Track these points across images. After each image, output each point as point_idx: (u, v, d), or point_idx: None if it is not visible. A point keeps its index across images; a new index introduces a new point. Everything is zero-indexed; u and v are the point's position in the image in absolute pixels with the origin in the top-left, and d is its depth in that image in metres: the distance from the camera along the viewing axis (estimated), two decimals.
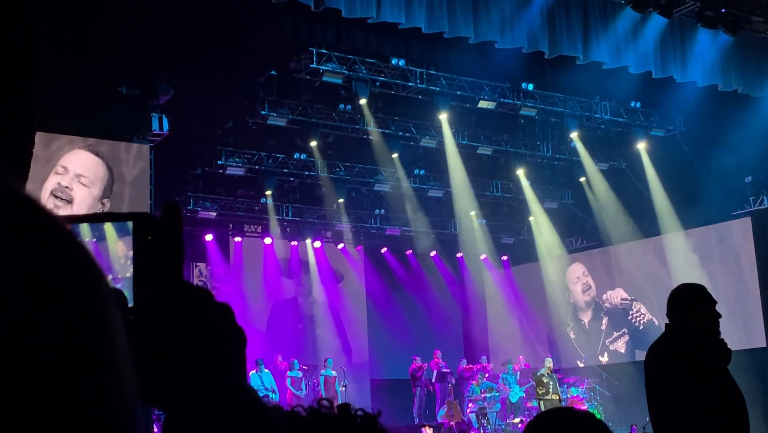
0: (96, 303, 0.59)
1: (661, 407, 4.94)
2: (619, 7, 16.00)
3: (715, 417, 4.77)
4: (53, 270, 0.56)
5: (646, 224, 22.01)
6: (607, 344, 23.52)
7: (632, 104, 20.85)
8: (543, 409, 16.80)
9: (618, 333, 23.32)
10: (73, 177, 15.85)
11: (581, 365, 23.51)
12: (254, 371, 19.18)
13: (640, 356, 22.19)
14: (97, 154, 16.31)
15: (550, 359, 18.45)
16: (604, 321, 23.74)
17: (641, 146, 21.47)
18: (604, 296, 23.36)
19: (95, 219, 0.96)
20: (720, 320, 5.03)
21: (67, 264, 0.58)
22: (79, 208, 15.57)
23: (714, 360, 4.88)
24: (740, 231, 20.77)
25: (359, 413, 1.22)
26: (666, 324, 5.14)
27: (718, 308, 5.06)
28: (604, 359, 23.49)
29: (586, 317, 24.36)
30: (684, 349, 4.91)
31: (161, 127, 17.04)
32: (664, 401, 4.90)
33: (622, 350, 23.15)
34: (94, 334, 0.58)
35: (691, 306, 5.00)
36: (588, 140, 21.65)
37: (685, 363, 4.87)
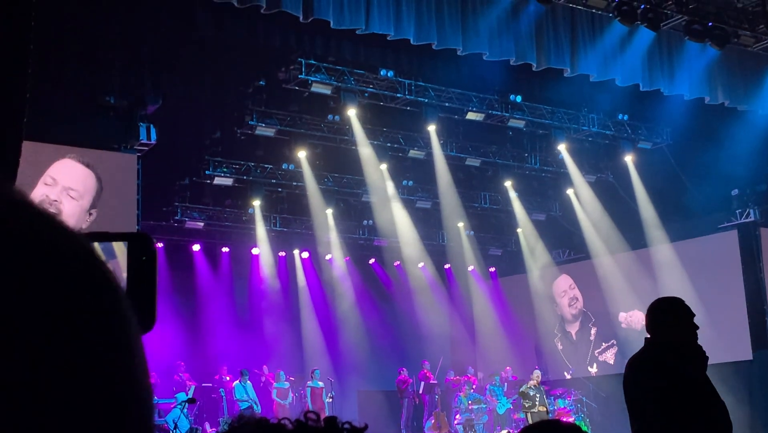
0: (122, 326, 0.59)
1: (642, 421, 4.94)
2: (606, 20, 16.06)
3: (697, 430, 4.77)
4: (81, 293, 0.57)
5: (633, 236, 22.06)
6: (596, 354, 23.53)
7: (620, 117, 20.93)
8: (530, 421, 16.78)
9: (607, 344, 23.33)
10: (62, 190, 15.72)
11: (569, 376, 23.52)
12: (238, 381, 19.13)
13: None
14: (87, 165, 16.19)
15: (538, 372, 18.45)
16: (593, 331, 23.75)
17: (628, 159, 21.55)
18: (621, 316, 23.21)
19: (90, 239, 0.96)
20: (705, 332, 5.05)
21: (93, 286, 0.58)
22: (67, 220, 15.41)
23: (694, 373, 4.90)
24: (726, 244, 20.83)
25: (346, 426, 1.22)
26: (645, 338, 5.16)
27: (703, 320, 5.09)
28: (593, 369, 23.49)
29: (573, 329, 24.37)
30: (663, 362, 4.92)
31: (149, 137, 16.99)
32: (645, 415, 4.91)
33: (611, 361, 23.16)
34: (123, 359, 0.58)
35: (668, 319, 5.02)
36: (575, 152, 21.72)
37: (664, 376, 4.88)
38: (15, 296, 0.52)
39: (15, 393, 0.51)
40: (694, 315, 5.06)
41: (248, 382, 19.23)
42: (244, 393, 18.90)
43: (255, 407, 18.65)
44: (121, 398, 0.57)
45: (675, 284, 20.80)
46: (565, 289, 24.59)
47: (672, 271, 21.22)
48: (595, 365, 23.57)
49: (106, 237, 0.96)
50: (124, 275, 0.96)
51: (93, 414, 0.54)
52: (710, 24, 16.42)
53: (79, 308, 0.56)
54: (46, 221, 0.58)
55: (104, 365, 0.56)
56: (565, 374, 23.86)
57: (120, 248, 0.97)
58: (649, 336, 5.10)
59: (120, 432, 0.56)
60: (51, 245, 0.57)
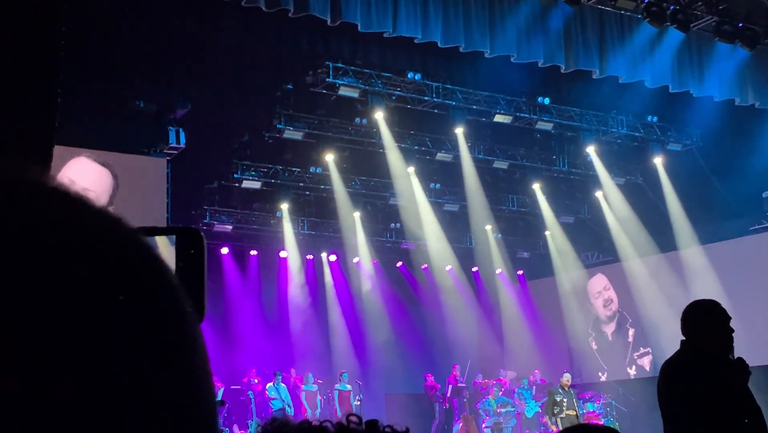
0: (183, 319, 0.59)
1: (676, 425, 4.89)
2: (635, 21, 15.97)
3: None
4: (141, 287, 0.56)
5: (663, 239, 21.90)
6: (635, 357, 23.35)
7: (649, 119, 20.80)
8: (560, 426, 16.69)
9: (644, 349, 23.16)
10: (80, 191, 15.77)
11: (603, 377, 23.42)
12: (271, 384, 19.18)
13: (658, 372, 22.06)
14: (103, 164, 16.20)
15: (567, 375, 18.32)
16: (631, 333, 23.56)
17: (658, 161, 21.41)
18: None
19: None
20: (738, 336, 4.99)
21: (152, 279, 0.58)
22: None
23: (729, 379, 4.84)
24: (758, 246, 20.63)
25: (387, 429, 1.21)
26: (681, 341, 5.10)
27: (735, 323, 5.01)
28: (632, 371, 23.32)
29: (609, 329, 24.21)
30: (698, 367, 4.87)
31: (178, 141, 17.11)
32: (680, 420, 4.86)
33: (647, 367, 22.99)
34: (186, 354, 0.58)
35: (703, 323, 4.96)
36: (604, 154, 21.60)
37: (700, 381, 4.83)
38: (75, 290, 0.52)
39: (77, 394, 0.50)
40: (729, 318, 4.99)
41: (282, 384, 19.27)
42: (277, 394, 18.94)
43: (288, 409, 18.68)
44: (187, 395, 0.57)
45: (706, 287, 20.60)
46: (599, 290, 24.42)
47: (703, 274, 21.04)
48: (633, 367, 23.38)
49: (156, 231, 0.97)
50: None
51: (157, 413, 0.54)
52: (740, 25, 16.29)
53: (140, 301, 0.55)
54: (110, 221, 0.58)
55: (168, 360, 0.56)
56: (600, 374, 23.73)
57: (163, 243, 0.98)
58: (684, 339, 5.04)
59: (185, 427, 0.56)
60: (110, 239, 0.57)
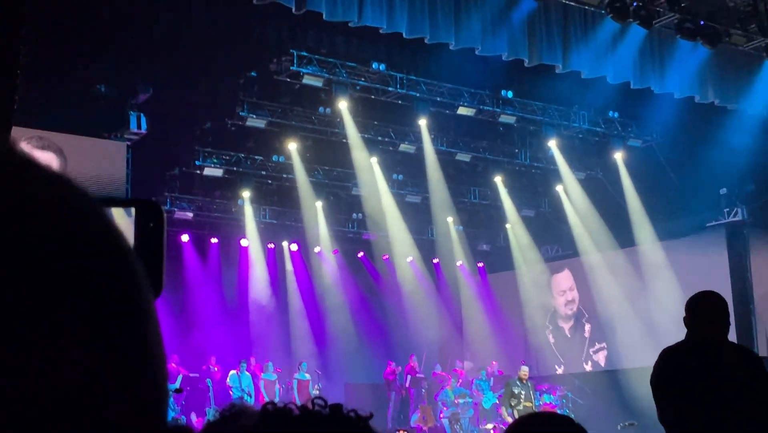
0: (137, 289, 0.59)
1: (658, 410, 4.93)
2: (599, 17, 16.08)
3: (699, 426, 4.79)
4: (95, 255, 0.56)
5: (621, 234, 22.10)
6: (591, 353, 23.57)
7: (610, 114, 20.96)
8: (517, 417, 16.80)
9: (600, 345, 23.40)
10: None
11: (560, 370, 23.61)
12: (234, 371, 19.13)
13: (616, 366, 22.30)
14: (43, 148, 15.82)
15: (525, 367, 18.46)
16: (587, 328, 23.77)
17: (618, 156, 21.59)
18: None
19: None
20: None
21: (106, 247, 0.58)
22: None
23: (705, 370, 4.88)
24: (714, 243, 20.90)
25: (351, 414, 1.23)
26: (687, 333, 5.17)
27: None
28: (588, 367, 23.53)
29: (567, 324, 24.41)
30: (679, 356, 4.95)
31: (139, 126, 16.96)
32: (658, 405, 4.91)
33: (602, 363, 23.23)
34: (138, 324, 0.58)
35: (688, 316, 5.05)
36: (566, 149, 21.74)
37: (673, 370, 4.90)
38: (26, 258, 0.52)
39: (27, 359, 0.51)
40: (717, 309, 5.04)
41: (246, 373, 19.23)
42: (237, 383, 18.89)
43: (247, 398, 18.64)
44: (136, 362, 0.57)
45: (662, 282, 20.89)
46: (564, 289, 24.53)
47: (661, 270, 21.29)
48: (589, 363, 23.61)
49: (114, 202, 0.96)
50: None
51: (106, 379, 0.54)
52: (702, 23, 16.47)
53: (93, 269, 0.55)
54: (61, 182, 0.58)
55: (120, 328, 0.56)
56: (556, 367, 23.92)
57: (120, 215, 0.97)
58: (687, 330, 5.13)
59: (134, 397, 0.56)
60: (65, 204, 0.57)
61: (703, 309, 5.01)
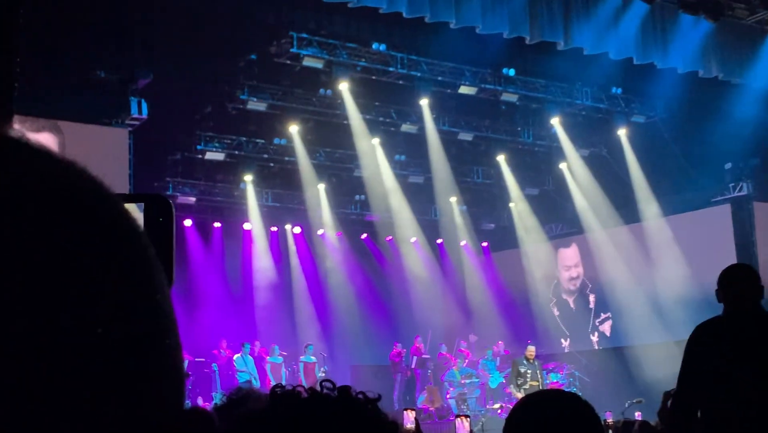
0: (152, 274, 0.61)
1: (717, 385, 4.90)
2: None
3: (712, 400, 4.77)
4: (112, 244, 0.58)
5: (626, 210, 22.07)
6: (597, 324, 23.57)
7: (613, 90, 20.88)
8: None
9: (604, 315, 23.40)
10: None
11: (566, 343, 23.66)
12: (239, 355, 19.15)
13: (622, 342, 22.31)
14: (39, 130, 15.69)
15: (532, 346, 18.45)
16: (591, 299, 23.75)
17: (622, 132, 21.52)
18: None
19: None
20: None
21: (123, 236, 0.60)
22: None
23: (725, 345, 4.86)
24: (720, 218, 20.85)
25: (359, 396, 1.20)
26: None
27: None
28: (595, 338, 23.54)
29: (571, 297, 24.42)
30: (706, 328, 4.95)
31: (140, 112, 16.91)
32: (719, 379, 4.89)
33: (608, 333, 23.22)
34: (155, 309, 0.60)
35: (718, 289, 5.05)
36: (569, 126, 21.68)
37: (695, 343, 4.91)
38: (46, 246, 0.53)
39: (50, 340, 0.52)
40: (749, 279, 5.01)
41: (248, 355, 19.25)
42: (243, 366, 18.92)
43: (254, 381, 18.66)
44: (155, 344, 0.59)
45: (668, 258, 20.86)
46: (570, 265, 24.50)
47: (666, 245, 21.25)
48: (596, 334, 23.60)
49: (124, 198, 0.95)
50: None
51: (127, 363, 0.56)
52: None
53: (109, 253, 0.57)
54: (75, 170, 0.59)
55: (137, 311, 0.57)
56: (562, 340, 23.93)
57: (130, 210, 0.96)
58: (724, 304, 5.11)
59: (150, 381, 0.58)
60: (81, 194, 0.58)
61: (733, 282, 5.01)
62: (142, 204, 0.99)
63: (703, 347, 4.92)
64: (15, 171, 0.55)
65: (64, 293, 0.53)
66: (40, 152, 0.58)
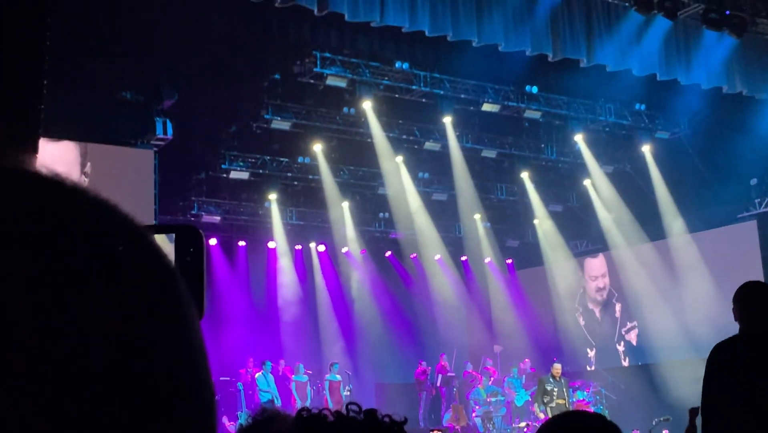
0: (183, 310, 0.61)
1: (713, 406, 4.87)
2: (622, 9, 15.96)
3: (728, 420, 4.73)
4: (143, 280, 0.58)
5: (651, 227, 21.95)
6: (623, 333, 23.43)
7: (637, 106, 20.82)
8: (550, 415, 16.70)
9: (631, 324, 23.26)
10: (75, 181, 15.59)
11: (591, 353, 23.55)
12: (260, 373, 19.16)
13: (647, 358, 22.16)
14: (59, 138, 15.72)
15: (558, 364, 18.34)
16: (618, 308, 23.62)
17: (646, 149, 21.43)
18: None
19: None
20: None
21: (153, 272, 0.60)
22: None
23: (743, 366, 4.81)
24: (746, 234, 20.70)
25: (385, 419, 1.21)
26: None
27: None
28: (621, 347, 23.38)
29: (597, 307, 24.30)
30: (723, 349, 4.89)
31: (165, 132, 17.04)
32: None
33: (634, 342, 23.07)
34: (184, 344, 0.60)
35: (735, 308, 4.96)
36: (592, 143, 21.61)
37: (713, 363, 4.86)
38: (80, 282, 0.54)
39: (79, 377, 0.52)
40: (762, 299, 4.92)
41: (270, 374, 19.27)
42: (266, 385, 18.93)
43: (276, 400, 18.66)
44: (184, 378, 0.59)
45: (694, 274, 20.70)
46: (597, 274, 24.36)
47: (691, 262, 21.11)
48: (622, 343, 23.44)
49: (156, 229, 0.97)
50: None
51: (154, 398, 0.56)
52: (727, 12, 16.30)
53: (141, 289, 0.57)
54: (104, 207, 0.60)
55: (168, 347, 0.58)
56: (588, 351, 23.79)
57: (160, 241, 0.97)
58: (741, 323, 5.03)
59: (183, 417, 0.58)
60: (111, 229, 0.59)
61: (750, 300, 4.92)
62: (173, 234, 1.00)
63: (720, 367, 4.86)
64: (43, 210, 0.56)
65: (92, 333, 0.53)
66: (68, 189, 0.59)
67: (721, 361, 4.87)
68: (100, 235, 0.57)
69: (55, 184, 0.58)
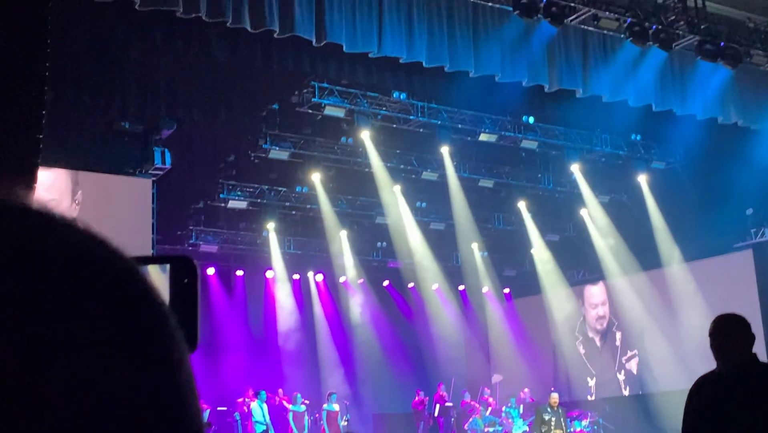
0: (171, 343, 0.61)
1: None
2: (618, 41, 16.07)
3: None
4: (130, 312, 0.58)
5: (647, 256, 21.98)
6: (623, 361, 23.38)
7: (633, 137, 20.91)
8: None
9: (631, 353, 23.22)
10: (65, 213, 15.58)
11: (591, 382, 23.46)
12: (255, 403, 19.11)
13: (645, 388, 22.11)
14: (53, 165, 15.79)
15: (555, 394, 18.30)
16: (618, 336, 23.59)
17: (642, 178, 21.51)
18: None
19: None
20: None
21: (141, 304, 0.60)
22: None
23: (709, 399, 4.84)
24: (742, 263, 20.73)
25: None
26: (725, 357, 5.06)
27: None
28: (621, 376, 23.32)
29: (597, 336, 24.26)
30: (701, 382, 4.91)
31: (164, 161, 17.10)
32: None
33: (635, 370, 23.01)
34: (172, 378, 0.60)
35: (711, 340, 4.95)
36: (589, 173, 21.69)
37: (692, 396, 4.88)
38: (65, 315, 0.54)
39: (65, 409, 0.52)
40: (730, 332, 4.92)
41: (264, 404, 19.21)
42: (261, 414, 18.87)
43: (269, 431, 18.60)
44: (171, 414, 0.58)
45: (690, 304, 20.71)
46: (597, 302, 24.37)
47: (687, 291, 21.12)
48: (623, 372, 23.38)
49: (149, 260, 0.98)
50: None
51: (144, 428, 0.56)
52: (722, 44, 16.41)
53: (129, 325, 0.57)
54: (95, 242, 0.60)
55: (154, 383, 0.57)
56: (588, 380, 23.71)
57: (154, 272, 0.98)
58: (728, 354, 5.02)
59: None
60: (100, 264, 0.58)
61: (718, 334, 4.92)
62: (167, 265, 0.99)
63: (696, 401, 4.89)
64: (31, 244, 0.56)
65: (78, 371, 0.53)
66: (58, 223, 0.58)
67: (698, 396, 4.89)
68: (82, 271, 0.57)
69: (42, 217, 0.58)
